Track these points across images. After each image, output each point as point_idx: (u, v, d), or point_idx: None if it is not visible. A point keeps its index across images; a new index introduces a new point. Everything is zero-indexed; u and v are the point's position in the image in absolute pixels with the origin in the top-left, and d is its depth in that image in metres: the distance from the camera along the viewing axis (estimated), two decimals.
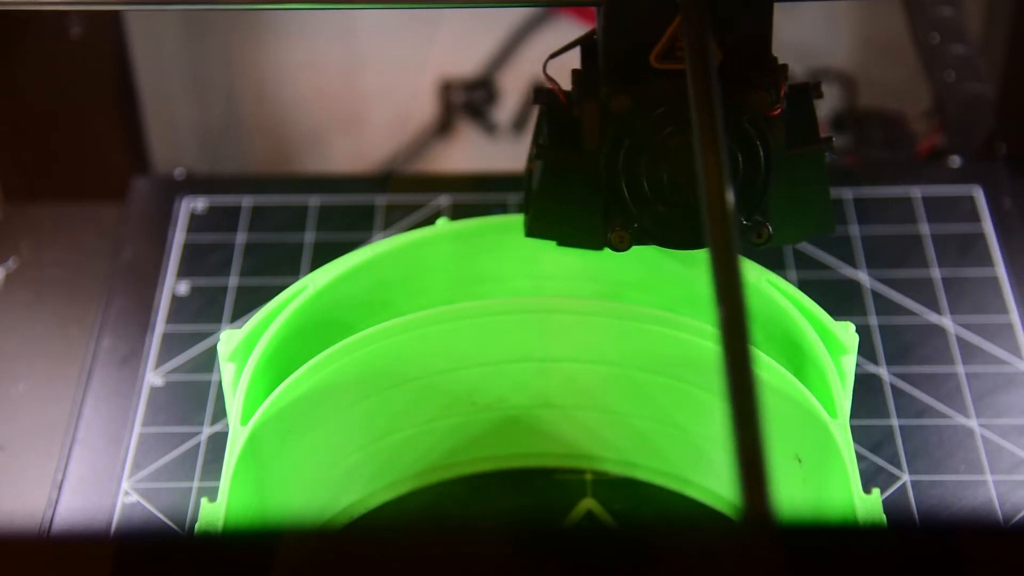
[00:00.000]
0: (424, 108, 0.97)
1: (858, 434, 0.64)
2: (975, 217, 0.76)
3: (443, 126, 0.97)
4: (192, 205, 0.78)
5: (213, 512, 0.55)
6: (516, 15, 0.93)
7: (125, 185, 0.79)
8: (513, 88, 0.95)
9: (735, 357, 0.46)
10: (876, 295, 0.72)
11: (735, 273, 0.47)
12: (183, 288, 0.73)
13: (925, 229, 0.75)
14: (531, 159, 0.59)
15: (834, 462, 0.57)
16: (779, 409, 0.58)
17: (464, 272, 0.63)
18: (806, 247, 0.74)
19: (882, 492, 0.64)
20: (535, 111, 0.60)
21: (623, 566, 0.41)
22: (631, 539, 0.41)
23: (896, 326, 0.71)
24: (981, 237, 0.75)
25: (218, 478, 0.57)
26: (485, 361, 0.62)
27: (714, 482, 0.63)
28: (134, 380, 0.69)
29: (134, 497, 0.65)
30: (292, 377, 0.59)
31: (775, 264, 0.73)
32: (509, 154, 0.95)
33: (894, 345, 0.70)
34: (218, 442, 0.66)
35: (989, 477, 0.64)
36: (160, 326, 0.72)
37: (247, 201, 0.78)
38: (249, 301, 0.72)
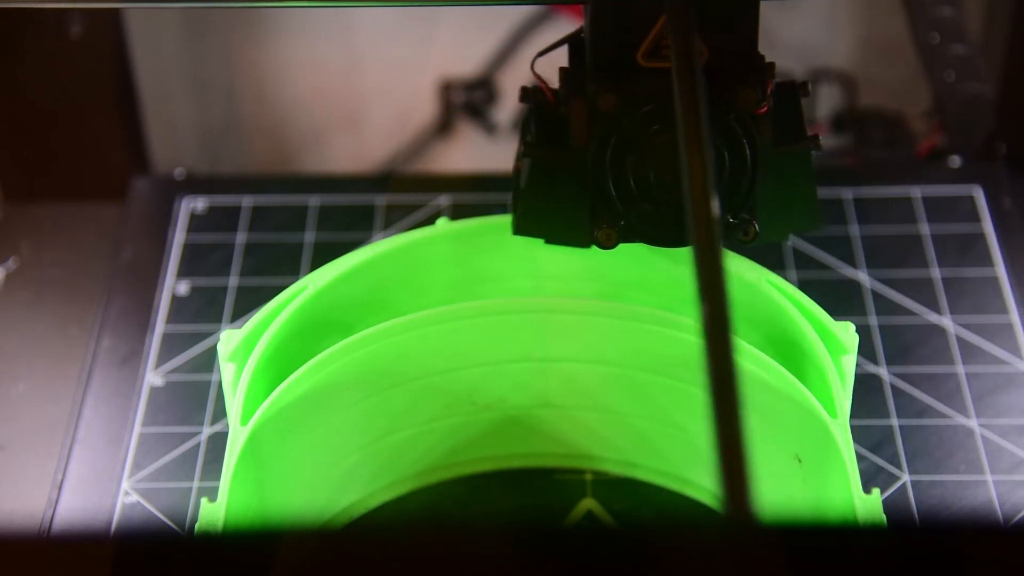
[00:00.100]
0: (424, 108, 0.97)
1: (858, 434, 0.64)
2: (975, 217, 0.76)
3: (443, 126, 0.97)
4: (192, 205, 0.78)
5: (213, 512, 0.55)
6: (516, 15, 0.93)
7: (125, 185, 0.79)
8: (513, 88, 0.95)
9: (717, 354, 0.46)
10: (876, 295, 0.72)
11: (718, 269, 0.47)
12: (183, 288, 0.73)
13: (925, 229, 0.75)
14: (519, 157, 0.59)
15: (834, 462, 0.57)
16: (779, 409, 0.58)
17: (464, 272, 0.63)
18: (806, 247, 0.74)
19: (882, 492, 0.64)
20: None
21: (623, 566, 0.41)
22: (631, 539, 0.41)
23: (896, 326, 0.71)
24: (981, 237, 0.75)
25: (218, 478, 0.57)
26: (485, 361, 0.62)
27: (714, 482, 0.63)
28: (134, 380, 0.69)
29: (134, 497, 0.65)
30: (292, 377, 0.59)
31: (775, 264, 0.73)
32: (509, 154, 0.94)
33: (894, 345, 0.70)
34: (218, 442, 0.66)
35: (989, 477, 0.64)
36: (160, 326, 0.72)
37: (247, 201, 0.78)
38: (249, 301, 0.72)
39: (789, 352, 0.59)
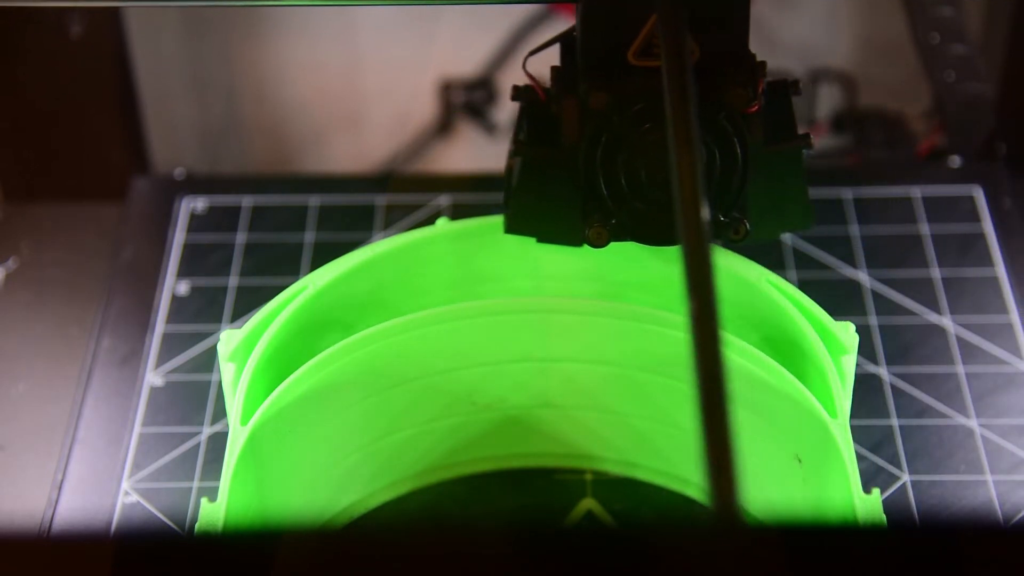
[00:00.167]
0: (424, 108, 0.97)
1: (858, 434, 0.64)
2: (975, 217, 0.76)
3: (443, 126, 0.97)
4: (192, 205, 0.78)
5: (213, 512, 0.55)
6: (516, 15, 0.93)
7: (125, 185, 0.79)
8: None
9: (704, 350, 0.46)
10: (876, 295, 0.72)
11: (707, 267, 0.47)
12: (183, 288, 0.73)
13: (925, 229, 0.75)
14: (511, 156, 0.60)
15: (834, 462, 0.57)
16: (779, 409, 0.58)
17: (464, 272, 0.63)
18: (806, 247, 0.74)
19: (882, 492, 0.64)
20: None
21: (623, 566, 0.41)
22: (631, 539, 0.41)
23: (896, 326, 0.71)
24: (981, 237, 0.75)
25: (218, 478, 0.57)
26: (485, 361, 0.62)
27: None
28: (134, 380, 0.69)
29: (134, 497, 0.65)
30: (292, 377, 0.59)
31: (775, 264, 0.73)
32: None
33: (894, 345, 0.70)
34: (218, 442, 0.66)
35: (989, 477, 0.64)
36: (160, 326, 0.72)
37: (247, 201, 0.78)
38: (249, 301, 0.72)
39: (789, 352, 0.59)
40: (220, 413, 0.67)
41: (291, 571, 0.41)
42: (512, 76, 0.95)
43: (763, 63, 0.57)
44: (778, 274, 0.61)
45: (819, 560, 0.41)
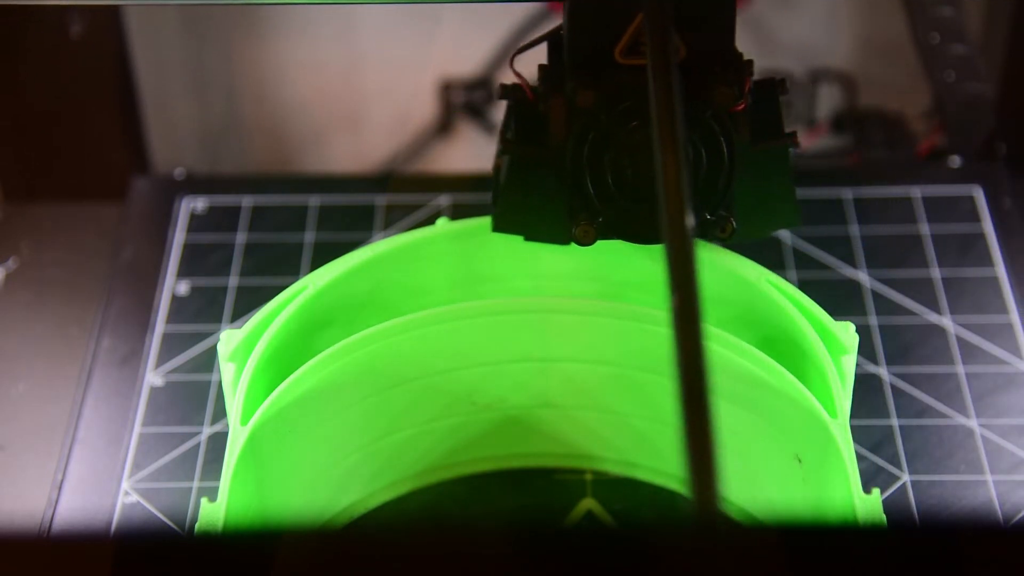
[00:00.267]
0: (424, 108, 0.97)
1: (858, 434, 0.64)
2: (975, 217, 0.76)
3: (443, 126, 0.97)
4: (192, 205, 0.78)
5: (213, 512, 0.55)
6: (516, 15, 0.93)
7: (125, 185, 0.79)
8: None
9: (686, 347, 0.46)
10: (876, 295, 0.72)
11: (691, 265, 0.47)
12: (183, 288, 0.73)
13: (925, 229, 0.75)
14: (498, 154, 0.60)
15: (834, 462, 0.57)
16: (779, 409, 0.58)
17: (464, 272, 0.63)
18: (806, 247, 0.74)
19: (882, 492, 0.64)
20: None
21: (623, 566, 0.41)
22: (631, 539, 0.41)
23: (896, 326, 0.71)
24: (981, 237, 0.75)
25: (218, 478, 0.57)
26: (485, 361, 0.62)
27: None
28: (134, 380, 0.69)
29: (134, 497, 0.65)
30: (292, 377, 0.59)
31: (775, 264, 0.73)
32: None
33: (894, 345, 0.70)
34: (218, 442, 0.66)
35: (989, 477, 0.64)
36: (160, 326, 0.72)
37: (247, 201, 0.78)
38: (249, 301, 0.72)
39: (789, 352, 0.59)
40: (220, 413, 0.67)
41: (291, 571, 0.41)
42: (512, 76, 0.95)
43: (750, 62, 0.57)
44: (778, 274, 0.61)
45: (819, 560, 0.41)
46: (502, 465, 0.66)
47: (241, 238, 0.76)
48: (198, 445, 0.66)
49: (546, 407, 0.64)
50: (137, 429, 0.67)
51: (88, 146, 0.81)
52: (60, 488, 0.65)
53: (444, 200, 0.77)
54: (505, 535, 0.41)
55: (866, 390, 0.68)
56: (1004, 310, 0.71)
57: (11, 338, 0.73)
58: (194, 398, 0.68)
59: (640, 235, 0.58)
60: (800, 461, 0.59)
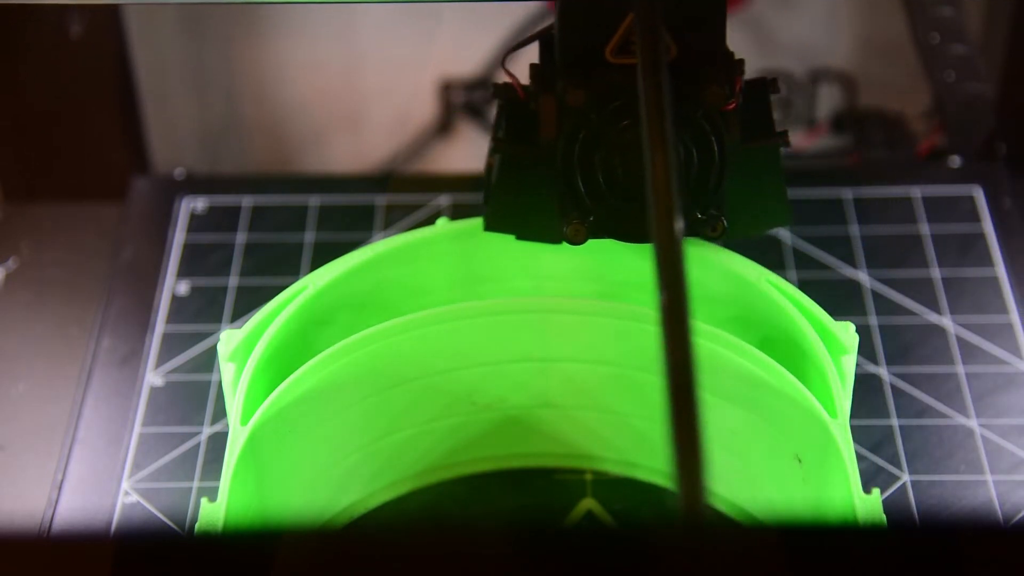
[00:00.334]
0: (424, 108, 0.97)
1: (858, 434, 0.64)
2: (975, 217, 0.76)
3: (443, 126, 0.97)
4: (192, 205, 0.78)
5: (213, 512, 0.55)
6: (516, 15, 0.93)
7: (125, 185, 0.79)
8: None
9: (674, 343, 0.46)
10: (876, 295, 0.72)
11: (678, 256, 0.47)
12: (183, 288, 0.73)
13: (925, 229, 0.75)
14: (490, 153, 0.60)
15: (834, 462, 0.57)
16: (779, 409, 0.58)
17: (464, 272, 0.63)
18: (806, 247, 0.74)
19: (882, 492, 0.64)
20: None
21: (623, 566, 0.41)
22: (631, 539, 0.41)
23: (896, 326, 0.71)
24: (981, 237, 0.75)
25: (218, 478, 0.57)
26: (485, 361, 0.62)
27: (714, 482, 0.63)
28: (134, 380, 0.69)
29: (134, 497, 0.65)
30: (292, 377, 0.59)
31: (775, 264, 0.73)
32: None
33: (894, 345, 0.70)
34: (218, 442, 0.66)
35: (989, 477, 0.64)
36: (160, 326, 0.72)
37: (247, 201, 0.78)
38: (249, 301, 0.72)
39: (789, 352, 0.59)
40: (220, 413, 0.67)
41: (291, 571, 0.41)
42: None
43: (741, 61, 0.57)
44: (778, 274, 0.61)
45: (819, 560, 0.41)
46: (502, 465, 0.66)
47: (241, 238, 0.76)
48: (198, 445, 0.66)
49: (546, 407, 0.64)
50: (137, 429, 0.67)
51: (88, 146, 0.81)
52: (60, 488, 0.65)
53: (444, 200, 0.77)
54: (505, 535, 0.41)
55: (866, 390, 0.68)
56: (1004, 310, 0.71)
57: (11, 338, 0.73)
58: (194, 398, 0.68)
59: (631, 234, 0.59)
60: (800, 461, 0.59)
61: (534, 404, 0.64)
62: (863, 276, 0.73)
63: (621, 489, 0.65)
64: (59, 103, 0.79)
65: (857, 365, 0.59)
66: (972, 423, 0.67)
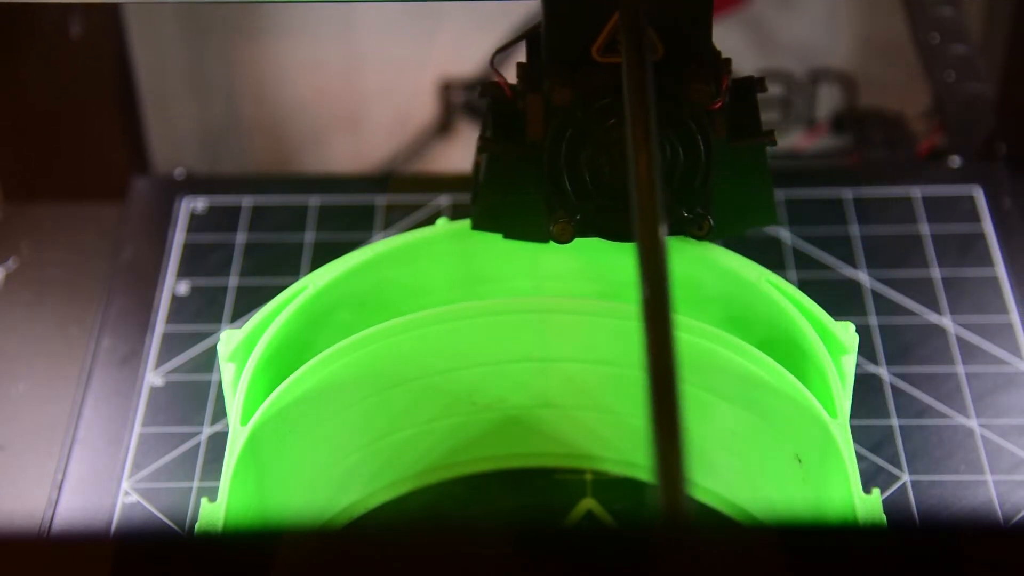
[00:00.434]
0: (424, 108, 0.97)
1: (858, 434, 0.64)
2: (975, 217, 0.76)
3: (443, 126, 0.97)
4: (192, 205, 0.78)
5: (213, 512, 0.55)
6: (517, 15, 0.93)
7: (125, 185, 0.79)
8: None
9: (655, 338, 0.46)
10: (876, 295, 0.72)
11: (660, 252, 0.48)
12: (183, 288, 0.73)
13: (925, 229, 0.75)
14: (477, 152, 0.60)
15: (834, 462, 0.57)
16: (779, 409, 0.58)
17: (464, 272, 0.63)
18: (806, 247, 0.74)
19: (882, 492, 0.64)
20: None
21: (623, 566, 0.41)
22: (631, 539, 0.41)
23: (896, 326, 0.71)
24: (981, 237, 0.75)
25: (218, 478, 0.57)
26: (485, 361, 0.62)
27: (714, 482, 0.63)
28: (134, 380, 0.69)
29: (134, 497, 0.65)
30: (292, 377, 0.59)
31: (775, 264, 0.73)
32: None
33: (894, 345, 0.70)
34: (218, 442, 0.66)
35: (989, 477, 0.64)
36: (160, 326, 0.72)
37: (247, 201, 0.78)
38: (249, 301, 0.72)
39: (789, 352, 0.59)
40: (220, 413, 0.67)
41: (291, 571, 0.41)
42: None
43: (728, 60, 0.58)
44: (778, 274, 0.61)
45: (819, 560, 0.41)
46: (502, 465, 0.66)
47: (241, 238, 0.76)
48: (198, 445, 0.66)
49: (546, 407, 0.64)
50: (137, 429, 0.67)
51: (88, 146, 0.81)
52: (60, 488, 0.65)
53: (444, 200, 0.77)
54: (505, 535, 0.41)
55: (866, 390, 0.68)
56: (1004, 310, 0.71)
57: (11, 338, 0.73)
58: (194, 398, 0.68)
59: (618, 232, 0.59)
60: (800, 461, 0.59)
61: (534, 404, 0.64)
62: (863, 276, 0.73)
63: (621, 489, 0.65)
64: (59, 103, 0.79)
65: (857, 365, 0.59)
66: (972, 423, 0.67)
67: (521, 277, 0.63)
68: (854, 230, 0.75)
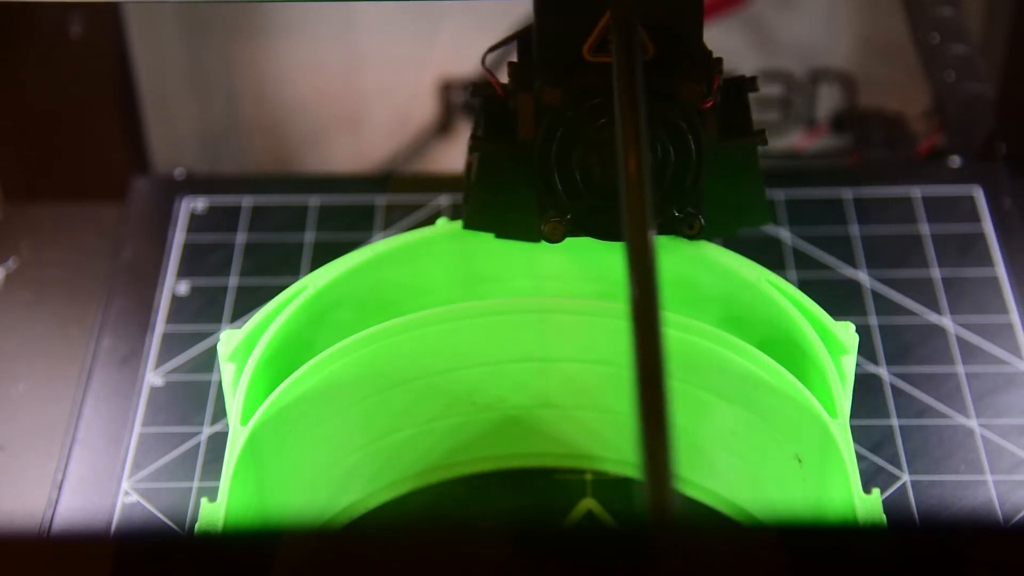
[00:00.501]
0: (424, 108, 0.97)
1: (858, 434, 0.64)
2: (975, 217, 0.76)
3: (443, 126, 0.97)
4: (192, 205, 0.78)
5: (213, 512, 0.55)
6: (517, 15, 0.93)
7: (125, 185, 0.79)
8: None
9: (643, 337, 0.46)
10: (876, 295, 0.72)
11: (649, 251, 0.48)
12: (183, 288, 0.73)
13: (925, 229, 0.75)
14: (469, 152, 0.60)
15: (834, 462, 0.57)
16: (779, 409, 0.58)
17: (464, 272, 0.63)
18: (806, 247, 0.74)
19: (882, 492, 0.64)
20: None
21: (623, 566, 0.41)
22: (631, 539, 0.41)
23: (896, 326, 0.71)
24: (981, 237, 0.75)
25: (218, 478, 0.57)
26: (485, 361, 0.62)
27: (714, 482, 0.63)
28: (134, 380, 0.69)
29: (134, 497, 0.65)
30: (292, 377, 0.59)
31: (775, 264, 0.73)
32: None
33: (894, 345, 0.70)
34: (218, 442, 0.66)
35: (989, 477, 0.64)
36: (160, 326, 0.72)
37: (247, 201, 0.78)
38: (249, 301, 0.72)
39: (789, 352, 0.59)
40: (220, 413, 0.67)
41: (291, 571, 0.41)
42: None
43: (719, 60, 0.58)
44: (778, 274, 0.61)
45: (819, 560, 0.41)
46: (502, 465, 0.66)
47: (241, 238, 0.76)
48: (198, 445, 0.66)
49: (546, 407, 0.64)
50: (137, 429, 0.67)
51: (88, 146, 0.81)
52: (60, 488, 0.65)
53: (444, 200, 0.77)
54: (505, 535, 0.41)
55: (866, 390, 0.68)
56: (1004, 310, 0.71)
57: (11, 338, 0.73)
58: (194, 398, 0.68)
59: (608, 232, 0.59)
60: (800, 461, 0.59)
61: (534, 404, 0.64)
62: (863, 276, 0.73)
63: (621, 489, 0.65)
64: (59, 103, 0.79)
65: (857, 365, 0.59)
66: (972, 423, 0.67)
67: (521, 277, 0.63)
68: (854, 230, 0.75)
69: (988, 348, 0.70)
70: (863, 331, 0.70)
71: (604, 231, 0.59)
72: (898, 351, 0.70)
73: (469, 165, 0.60)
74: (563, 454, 0.65)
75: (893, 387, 0.68)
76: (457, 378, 0.62)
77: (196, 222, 0.77)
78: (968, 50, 0.80)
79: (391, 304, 0.62)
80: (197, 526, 0.55)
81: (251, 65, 0.96)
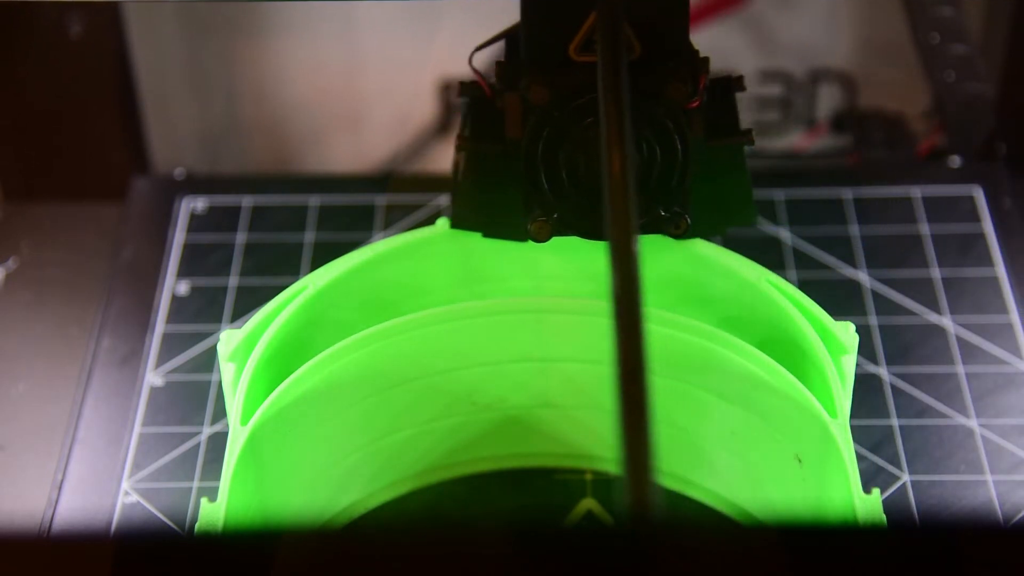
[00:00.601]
0: (424, 108, 0.97)
1: (858, 434, 0.64)
2: (975, 217, 0.76)
3: (443, 126, 0.97)
4: (192, 205, 0.78)
5: (213, 512, 0.55)
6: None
7: (125, 185, 0.79)
8: None
9: (626, 335, 0.46)
10: (876, 295, 0.72)
11: (632, 250, 0.48)
12: (183, 288, 0.73)
13: (925, 229, 0.75)
14: (456, 151, 0.60)
15: (834, 462, 0.57)
16: (779, 409, 0.58)
17: (464, 272, 0.63)
18: (806, 247, 0.74)
19: (882, 492, 0.64)
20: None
21: (623, 566, 0.41)
22: (631, 539, 0.41)
23: (896, 326, 0.71)
24: (981, 237, 0.75)
25: (218, 478, 0.57)
26: (485, 361, 0.62)
27: (714, 482, 0.63)
28: (134, 380, 0.69)
29: (134, 497, 0.65)
30: (292, 377, 0.59)
31: (775, 264, 0.73)
32: None
33: (894, 345, 0.70)
34: (218, 442, 0.66)
35: (989, 477, 0.64)
36: (160, 326, 0.72)
37: (247, 201, 0.78)
38: (249, 301, 0.72)
39: (789, 352, 0.59)
40: (220, 413, 0.67)
41: (291, 571, 0.41)
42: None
43: (706, 59, 0.58)
44: (778, 274, 0.61)
45: (819, 560, 0.41)
46: (502, 465, 0.66)
47: (241, 238, 0.76)
48: (198, 445, 0.66)
49: (546, 407, 0.64)
50: (137, 429, 0.67)
51: (88, 146, 0.81)
52: (60, 488, 0.65)
53: (444, 200, 0.77)
54: (505, 535, 0.41)
55: (866, 390, 0.68)
56: (1004, 310, 0.71)
57: (11, 338, 0.73)
58: (194, 398, 0.68)
59: (594, 231, 0.59)
60: (800, 461, 0.59)
61: (534, 404, 0.64)
62: (863, 276, 0.73)
63: (621, 489, 0.65)
64: (59, 103, 0.79)
65: (857, 365, 0.59)
66: (972, 423, 0.67)
67: (521, 277, 0.63)
68: (854, 230, 0.75)
69: (988, 348, 0.70)
70: (863, 331, 0.70)
71: (590, 230, 0.59)
72: (898, 351, 0.70)
73: (456, 164, 0.60)
74: (563, 454, 0.65)
75: (893, 387, 0.68)
76: (457, 378, 0.62)
77: (196, 222, 0.77)
78: (968, 50, 0.80)
79: (391, 304, 0.62)
80: (197, 526, 0.55)
81: (251, 65, 0.96)
